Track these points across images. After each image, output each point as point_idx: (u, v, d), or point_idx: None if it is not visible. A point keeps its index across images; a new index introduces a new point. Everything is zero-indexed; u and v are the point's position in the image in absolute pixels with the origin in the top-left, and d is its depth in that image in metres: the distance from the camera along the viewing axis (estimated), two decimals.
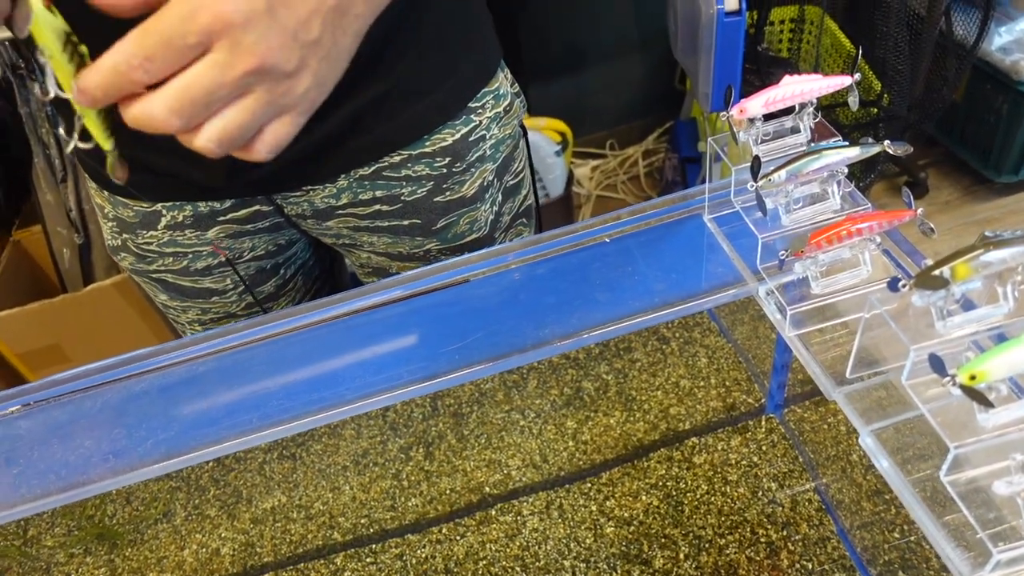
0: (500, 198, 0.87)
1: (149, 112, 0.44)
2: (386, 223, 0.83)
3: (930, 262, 0.49)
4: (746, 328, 1.24)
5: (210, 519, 1.10)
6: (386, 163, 0.79)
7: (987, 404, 0.46)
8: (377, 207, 0.81)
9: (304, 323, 0.82)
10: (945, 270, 0.48)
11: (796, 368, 1.17)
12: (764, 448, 1.11)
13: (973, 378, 0.46)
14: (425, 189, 0.81)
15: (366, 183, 0.80)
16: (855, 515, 1.04)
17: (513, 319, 0.81)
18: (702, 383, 1.20)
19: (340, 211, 0.81)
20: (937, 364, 0.47)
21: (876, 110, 1.91)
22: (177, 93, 0.44)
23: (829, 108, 1.95)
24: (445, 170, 0.80)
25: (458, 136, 0.80)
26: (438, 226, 0.84)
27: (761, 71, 2.03)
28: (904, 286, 0.50)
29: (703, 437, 1.13)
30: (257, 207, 0.84)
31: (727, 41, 1.72)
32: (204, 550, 1.06)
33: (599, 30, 2.68)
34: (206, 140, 0.46)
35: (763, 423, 1.13)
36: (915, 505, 0.53)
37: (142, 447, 0.77)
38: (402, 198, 0.81)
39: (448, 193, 0.82)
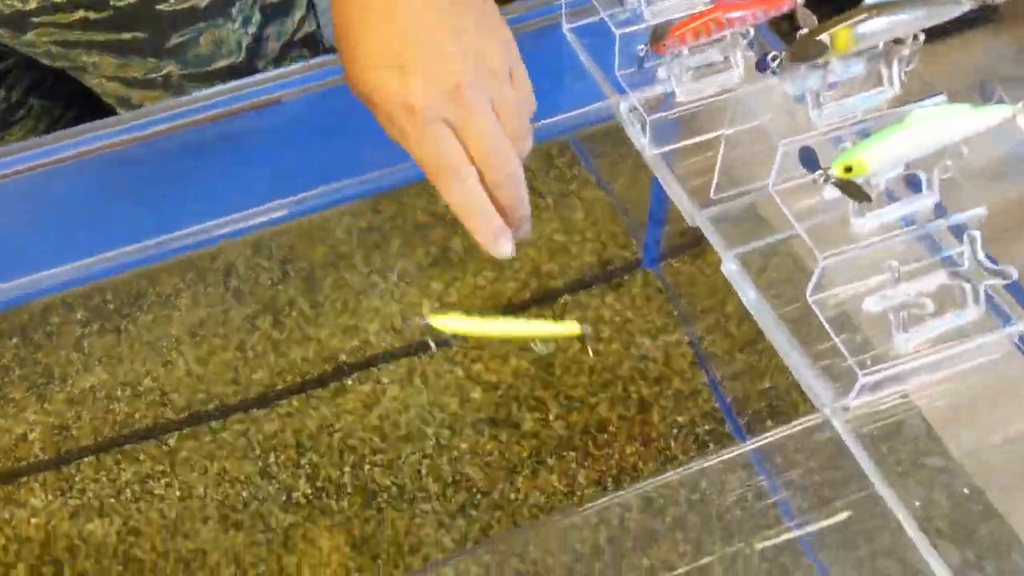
0: (258, 17, 0.71)
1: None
2: (102, 37, 0.66)
3: (807, 30, 0.40)
4: (625, 180, 1.16)
5: (14, 402, 0.95)
6: None
7: (865, 198, 0.37)
8: (82, 14, 0.64)
9: (83, 150, 0.67)
10: (824, 37, 0.38)
11: (674, 218, 1.10)
12: (639, 303, 1.05)
13: (849, 170, 0.37)
14: None
15: None
16: (727, 366, 1.01)
17: (338, 146, 0.68)
18: (577, 238, 1.11)
19: (34, 18, 0.64)
20: (808, 158, 0.38)
21: None
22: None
23: None
24: None
25: None
26: (171, 44, 0.68)
27: None
28: (776, 60, 0.40)
29: (576, 294, 1.06)
30: None
31: None
32: (7, 436, 0.92)
33: None
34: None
35: (638, 278, 1.07)
36: (777, 334, 0.46)
37: None
38: (111, 3, 0.64)
39: (172, 0, 0.65)
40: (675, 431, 0.97)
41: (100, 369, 0.98)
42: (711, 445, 0.94)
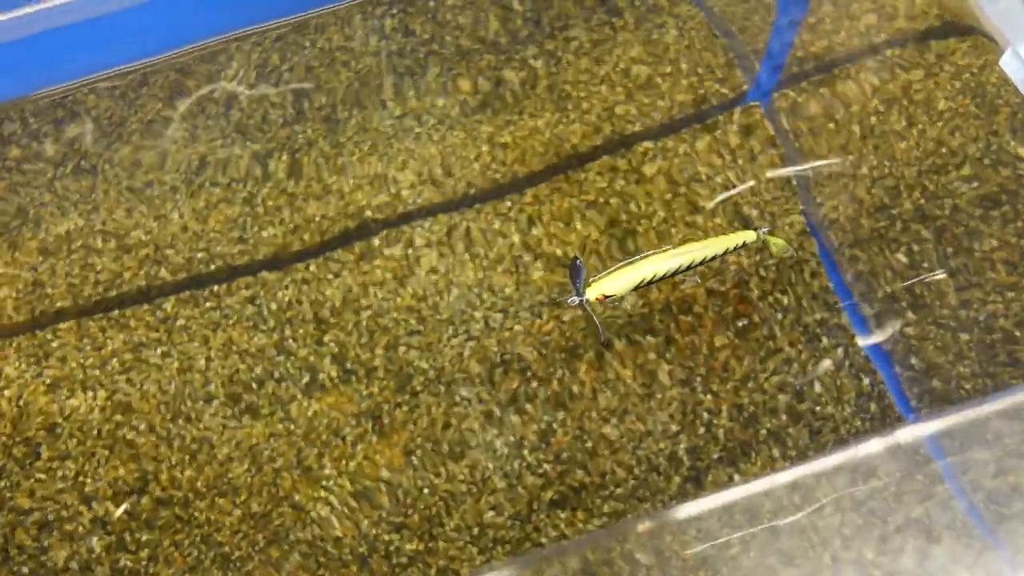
0: None
1: None
2: None
3: None
4: None
5: None
6: None
7: None
8: None
9: None
10: None
11: (808, 35, 0.86)
12: (739, 155, 0.83)
13: None
14: None
15: None
16: (848, 233, 0.80)
17: None
18: (667, 69, 0.88)
19: None
20: None
21: None
22: None
23: None
24: None
25: None
26: None
27: None
28: None
29: (660, 140, 0.84)
30: None
31: None
32: None
33: None
34: None
35: (737, 117, 0.84)
36: None
37: None
38: None
39: None
40: (779, 315, 0.77)
41: (76, 215, 0.81)
42: (824, 339, 0.75)
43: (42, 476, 0.71)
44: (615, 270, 0.69)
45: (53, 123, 0.84)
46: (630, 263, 0.70)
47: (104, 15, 0.72)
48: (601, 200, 0.82)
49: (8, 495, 0.70)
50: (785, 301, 0.78)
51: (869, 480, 0.61)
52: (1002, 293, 0.74)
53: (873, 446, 0.63)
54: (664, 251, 0.70)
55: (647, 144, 0.84)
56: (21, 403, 0.73)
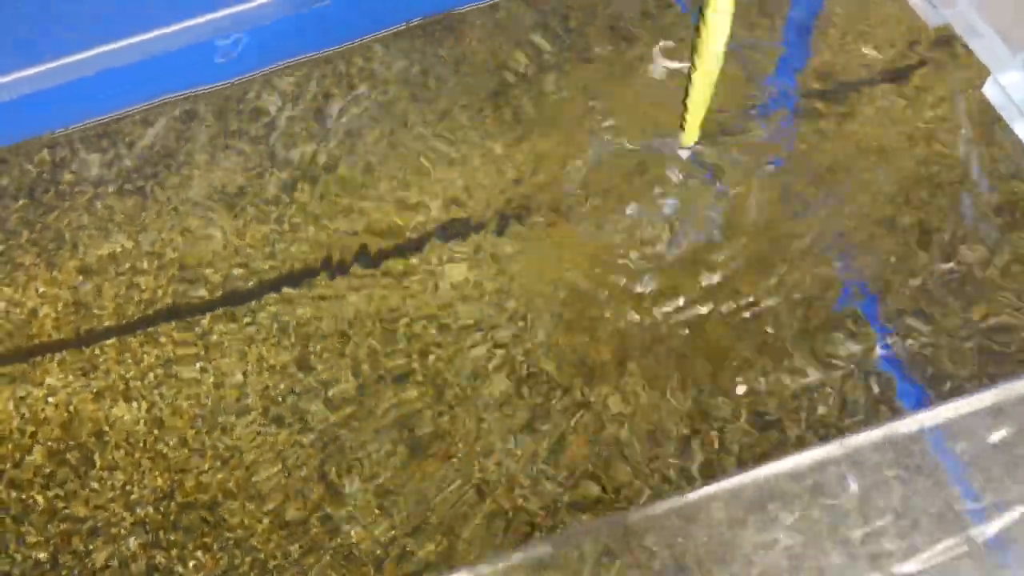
0: None
1: None
2: None
3: None
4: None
5: (24, 269, 0.83)
6: None
7: None
8: None
9: None
10: None
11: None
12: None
13: None
14: None
15: None
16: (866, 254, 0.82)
17: None
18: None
19: None
20: None
21: None
22: None
23: None
24: None
25: None
26: None
27: None
28: None
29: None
30: None
31: None
32: (17, 310, 0.80)
33: None
34: None
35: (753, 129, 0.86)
36: None
37: None
38: None
39: None
40: (795, 326, 0.79)
41: (122, 236, 0.84)
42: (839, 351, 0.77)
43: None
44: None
45: (100, 151, 0.88)
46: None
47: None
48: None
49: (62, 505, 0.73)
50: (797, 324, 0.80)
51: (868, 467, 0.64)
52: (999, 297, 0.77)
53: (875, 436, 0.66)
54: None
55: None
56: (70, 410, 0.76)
